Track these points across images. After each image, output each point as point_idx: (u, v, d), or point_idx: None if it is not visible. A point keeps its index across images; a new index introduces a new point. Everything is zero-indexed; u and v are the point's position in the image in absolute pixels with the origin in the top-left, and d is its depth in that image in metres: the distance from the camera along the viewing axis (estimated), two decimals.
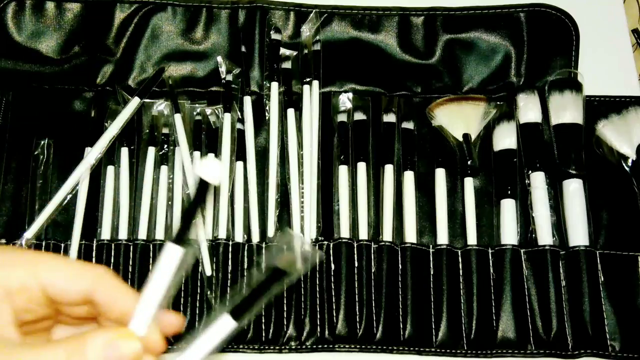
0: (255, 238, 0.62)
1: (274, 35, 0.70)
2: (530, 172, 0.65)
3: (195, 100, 0.68)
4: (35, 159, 0.64)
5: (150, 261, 0.61)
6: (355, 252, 0.61)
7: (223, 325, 0.35)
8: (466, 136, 0.66)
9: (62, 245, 0.61)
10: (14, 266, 0.36)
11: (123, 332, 0.34)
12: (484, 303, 0.60)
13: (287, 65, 0.69)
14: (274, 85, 0.68)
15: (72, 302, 0.37)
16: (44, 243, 0.61)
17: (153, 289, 0.35)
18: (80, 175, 0.62)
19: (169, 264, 0.34)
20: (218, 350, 0.36)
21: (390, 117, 0.67)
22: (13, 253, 0.38)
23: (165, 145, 0.65)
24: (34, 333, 0.38)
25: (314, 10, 0.70)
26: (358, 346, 0.59)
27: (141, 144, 0.66)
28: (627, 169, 0.65)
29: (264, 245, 0.61)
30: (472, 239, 0.63)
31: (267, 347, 0.59)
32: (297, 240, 0.36)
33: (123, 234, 0.62)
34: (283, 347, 0.59)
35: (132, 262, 0.60)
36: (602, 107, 0.68)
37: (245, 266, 0.61)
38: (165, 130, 0.66)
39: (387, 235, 0.63)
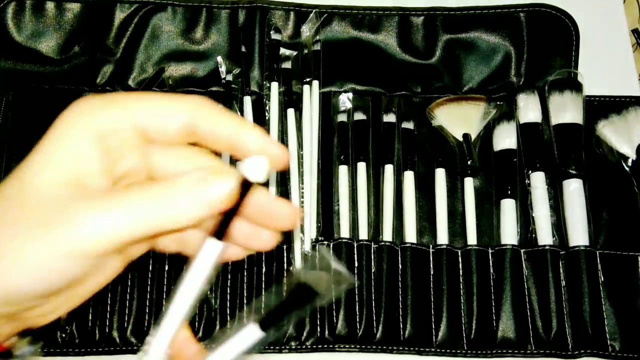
0: None
1: (274, 35, 0.70)
2: (530, 172, 0.65)
3: None
4: None
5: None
6: (355, 252, 0.61)
7: (249, 334, 0.34)
8: (466, 136, 0.66)
9: None
10: (104, 107, 0.32)
11: (215, 169, 0.32)
12: (484, 303, 0.60)
13: (287, 65, 0.69)
14: (274, 85, 0.68)
15: (171, 140, 0.33)
16: None
17: (188, 288, 0.34)
18: None
19: (208, 259, 0.33)
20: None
21: (390, 117, 0.67)
22: (96, 97, 0.33)
23: None
24: None
25: (314, 10, 0.70)
26: (358, 346, 0.59)
27: None
28: (627, 169, 0.65)
29: None
30: (472, 239, 0.63)
31: (267, 347, 0.59)
32: (332, 262, 0.36)
33: None
34: (283, 347, 0.59)
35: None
36: (602, 107, 0.68)
37: (245, 266, 0.61)
38: None
39: (387, 235, 0.63)
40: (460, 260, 0.61)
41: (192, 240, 0.36)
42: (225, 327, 0.59)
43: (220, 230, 0.32)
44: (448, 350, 0.59)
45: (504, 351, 0.59)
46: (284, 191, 0.64)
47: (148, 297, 0.60)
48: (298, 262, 0.61)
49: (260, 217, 0.34)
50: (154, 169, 0.35)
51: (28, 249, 0.30)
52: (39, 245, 0.30)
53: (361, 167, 0.65)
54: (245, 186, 0.31)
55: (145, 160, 0.34)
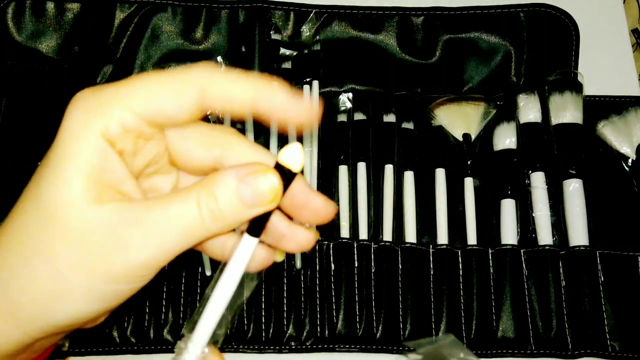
0: None
1: (274, 35, 0.70)
2: (530, 172, 0.65)
3: None
4: (35, 159, 0.64)
5: None
6: (355, 252, 0.61)
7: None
8: (466, 136, 0.66)
9: None
10: (105, 109, 0.30)
11: (256, 167, 0.30)
12: (484, 303, 0.60)
13: (287, 65, 0.69)
14: None
15: (186, 120, 0.32)
16: None
17: (226, 285, 0.32)
18: None
19: (244, 256, 0.32)
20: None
21: (390, 117, 0.67)
22: (93, 96, 0.31)
23: None
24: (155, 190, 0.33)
25: (314, 10, 0.70)
26: (358, 346, 0.59)
27: None
28: (627, 169, 0.65)
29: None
30: (472, 239, 0.63)
31: (267, 347, 0.59)
32: (458, 350, 0.34)
33: None
34: (283, 347, 0.59)
35: None
36: (602, 107, 0.68)
37: None
38: None
39: (387, 235, 0.63)
40: (460, 261, 0.61)
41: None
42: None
43: (258, 227, 0.31)
44: None
45: (504, 351, 0.59)
46: None
47: (148, 297, 0.60)
48: (298, 262, 0.61)
49: (295, 210, 0.33)
50: (175, 155, 0.33)
51: (78, 281, 0.29)
52: (89, 276, 0.29)
53: (361, 167, 0.65)
54: (288, 178, 0.30)
55: (164, 146, 0.33)
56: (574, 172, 0.63)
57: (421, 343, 0.33)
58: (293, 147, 0.30)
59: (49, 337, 0.32)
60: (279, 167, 0.30)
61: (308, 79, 0.68)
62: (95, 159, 0.29)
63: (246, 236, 0.32)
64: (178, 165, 0.34)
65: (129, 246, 0.29)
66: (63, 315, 0.30)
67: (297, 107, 0.31)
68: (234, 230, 0.32)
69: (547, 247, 0.61)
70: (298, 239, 0.34)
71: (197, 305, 0.59)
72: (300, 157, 0.30)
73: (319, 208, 0.33)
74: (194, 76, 0.31)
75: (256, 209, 0.30)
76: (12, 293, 0.30)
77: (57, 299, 0.29)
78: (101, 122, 0.30)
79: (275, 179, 0.30)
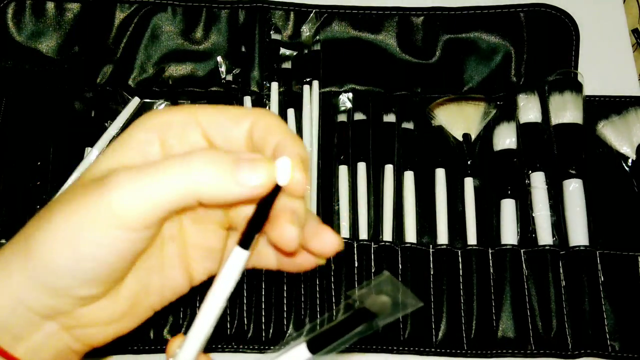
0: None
1: (274, 35, 0.70)
2: (530, 172, 0.65)
3: (196, 101, 0.68)
4: (35, 159, 0.64)
5: None
6: (355, 252, 0.61)
7: (298, 354, 0.33)
8: (466, 136, 0.66)
9: None
10: (172, 110, 0.34)
11: (257, 158, 0.31)
12: (484, 303, 0.60)
13: (287, 65, 0.69)
14: (274, 85, 0.68)
15: (236, 143, 0.34)
16: None
17: (216, 297, 0.33)
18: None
19: (234, 269, 0.33)
20: None
21: (390, 117, 0.67)
22: (170, 109, 0.35)
23: None
24: None
25: (314, 10, 0.70)
26: (358, 346, 0.59)
27: None
28: (627, 169, 0.65)
29: None
30: (472, 239, 0.63)
31: (267, 347, 0.59)
32: (394, 285, 0.35)
33: None
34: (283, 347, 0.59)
35: None
36: (602, 107, 0.68)
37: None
38: None
39: (387, 235, 0.63)
40: (460, 261, 0.61)
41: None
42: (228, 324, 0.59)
43: (248, 239, 0.32)
44: (448, 350, 0.59)
45: (504, 351, 0.59)
46: None
47: None
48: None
49: (306, 238, 0.34)
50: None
51: (67, 222, 0.30)
52: (79, 217, 0.30)
53: (361, 167, 0.65)
54: (275, 189, 0.31)
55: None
56: (574, 172, 0.63)
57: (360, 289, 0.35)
58: (281, 161, 0.31)
59: (51, 321, 0.32)
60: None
61: (308, 79, 0.68)
62: (140, 135, 0.33)
63: (237, 249, 0.32)
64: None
65: (116, 188, 0.30)
66: (53, 261, 0.30)
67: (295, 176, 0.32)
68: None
69: (547, 247, 0.61)
70: (301, 261, 0.36)
71: (198, 305, 0.59)
72: (289, 172, 0.31)
73: (328, 242, 0.35)
74: (250, 111, 0.34)
75: (242, 186, 0.30)
76: (33, 242, 0.31)
77: (52, 240, 0.30)
78: (164, 115, 0.34)
79: (266, 171, 0.30)
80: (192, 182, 0.30)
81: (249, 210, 0.33)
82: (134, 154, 0.32)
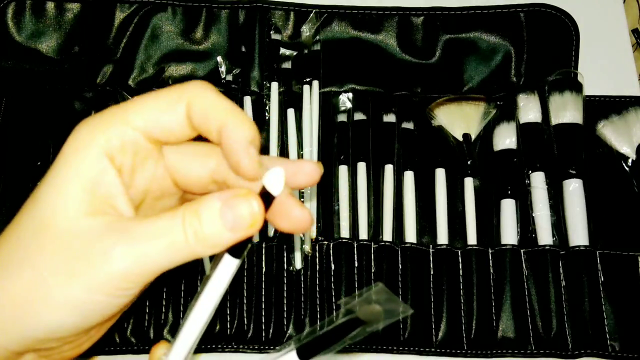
0: (256, 238, 0.62)
1: (274, 35, 0.70)
2: (530, 172, 0.65)
3: None
4: (35, 159, 0.64)
5: None
6: (355, 252, 0.61)
7: None
8: (466, 136, 0.66)
9: None
10: (105, 126, 0.32)
11: (240, 191, 0.31)
12: (484, 303, 0.60)
13: (287, 65, 0.69)
14: (274, 85, 0.68)
15: (181, 135, 0.33)
16: None
17: (205, 304, 0.33)
18: None
19: (224, 276, 0.33)
20: None
21: (390, 117, 0.67)
22: (97, 116, 0.33)
23: None
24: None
25: (314, 10, 0.70)
26: (358, 346, 0.59)
27: None
28: (627, 169, 0.65)
29: (263, 245, 0.61)
30: (472, 239, 0.63)
31: (267, 347, 0.59)
32: (385, 295, 0.35)
33: None
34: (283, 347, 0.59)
35: None
36: (602, 107, 0.68)
37: (245, 266, 0.61)
38: None
39: (387, 235, 0.63)
40: (460, 261, 0.61)
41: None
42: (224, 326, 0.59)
43: (239, 248, 0.32)
44: (448, 350, 0.59)
45: (504, 351, 0.59)
46: None
47: (148, 297, 0.60)
48: (298, 262, 0.61)
49: (275, 217, 0.34)
50: (174, 173, 0.35)
51: (59, 287, 0.29)
52: (70, 282, 0.29)
53: (361, 167, 0.65)
54: (267, 200, 0.31)
55: (163, 165, 0.34)
56: (574, 172, 0.63)
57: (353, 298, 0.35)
58: (274, 172, 0.31)
59: (27, 353, 0.32)
60: (264, 190, 0.31)
61: (308, 79, 0.68)
62: (94, 172, 0.31)
63: (227, 257, 0.32)
64: (180, 185, 0.35)
65: (113, 253, 0.29)
66: (40, 325, 0.30)
67: (250, 162, 0.32)
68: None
69: (547, 247, 0.61)
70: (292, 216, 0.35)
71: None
72: (282, 182, 0.31)
73: (299, 218, 0.34)
74: (184, 91, 0.33)
75: (237, 232, 0.30)
76: None
77: (36, 304, 0.30)
78: (103, 137, 0.31)
79: (256, 204, 0.30)
80: (188, 250, 0.31)
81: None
82: (94, 195, 0.31)
